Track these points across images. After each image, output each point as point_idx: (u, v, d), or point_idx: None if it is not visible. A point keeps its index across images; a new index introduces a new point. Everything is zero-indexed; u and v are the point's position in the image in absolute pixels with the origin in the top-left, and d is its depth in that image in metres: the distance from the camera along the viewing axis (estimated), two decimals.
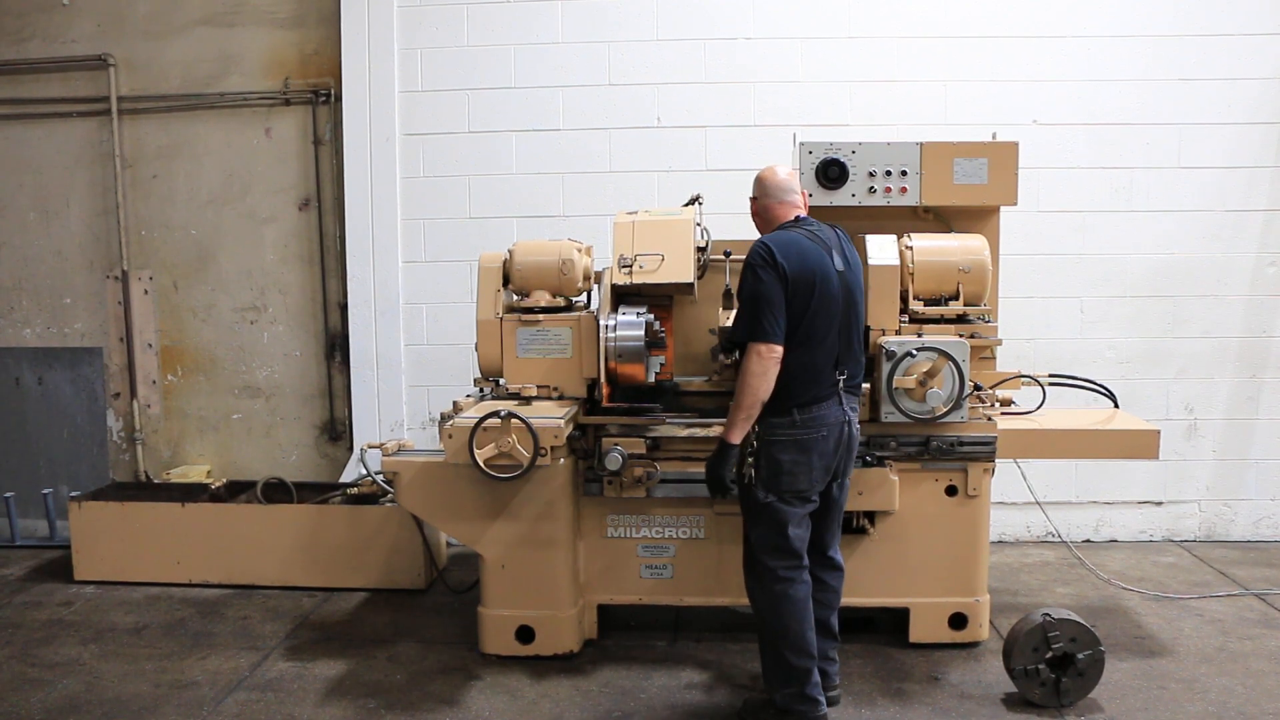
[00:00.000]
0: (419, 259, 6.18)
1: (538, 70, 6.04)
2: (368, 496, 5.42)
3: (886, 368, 4.16)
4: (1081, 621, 3.95)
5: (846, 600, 4.22)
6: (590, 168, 6.10)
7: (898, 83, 6.00)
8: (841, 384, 3.74)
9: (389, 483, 5.10)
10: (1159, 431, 4.48)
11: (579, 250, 4.60)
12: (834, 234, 3.88)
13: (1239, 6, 5.93)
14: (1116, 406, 4.90)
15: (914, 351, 4.11)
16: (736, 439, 3.67)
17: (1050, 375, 4.83)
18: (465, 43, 6.03)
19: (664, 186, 6.07)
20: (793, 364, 3.61)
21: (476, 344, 4.57)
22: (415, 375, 6.24)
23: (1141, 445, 4.49)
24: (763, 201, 3.94)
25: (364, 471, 5.45)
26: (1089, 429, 4.52)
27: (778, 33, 5.98)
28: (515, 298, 4.61)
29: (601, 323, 4.34)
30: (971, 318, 4.46)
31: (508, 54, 6.04)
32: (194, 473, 6.36)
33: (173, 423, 6.55)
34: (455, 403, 4.47)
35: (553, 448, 4.01)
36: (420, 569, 5.30)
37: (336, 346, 6.34)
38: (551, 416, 4.08)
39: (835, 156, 4.63)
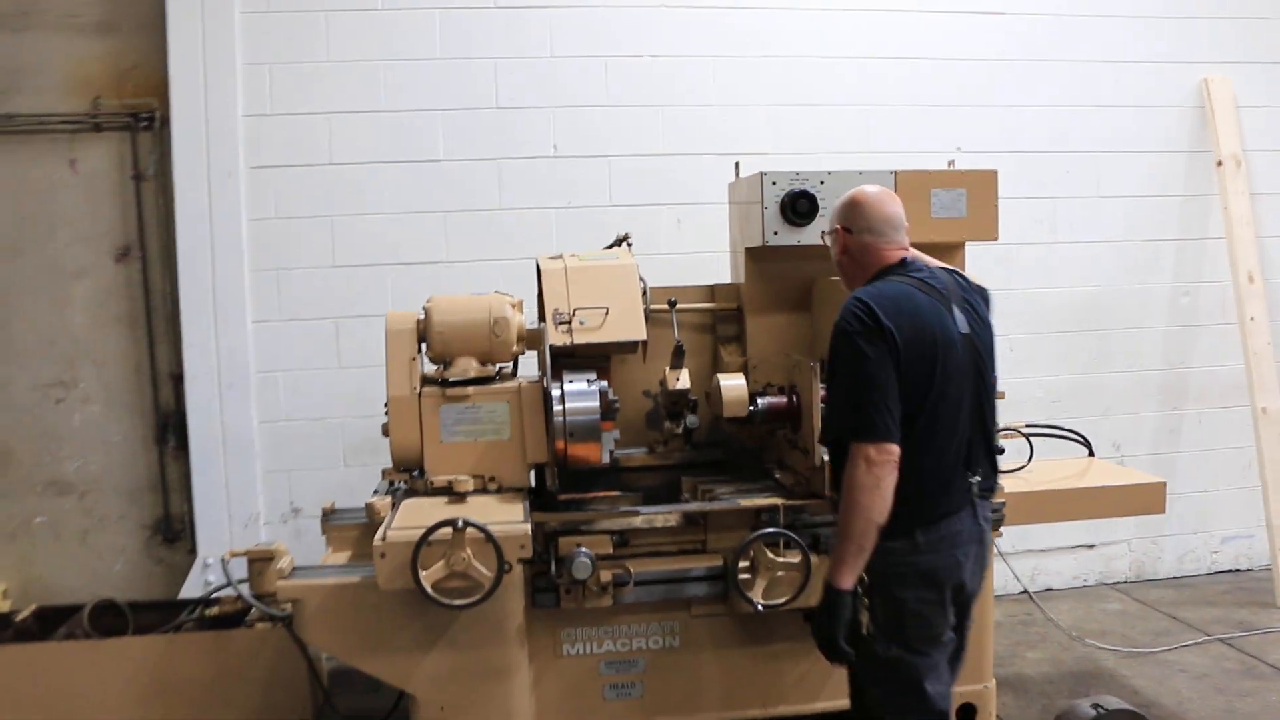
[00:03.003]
0: (273, 318, 5.12)
1: (413, 91, 5.14)
2: (229, 617, 4.34)
3: None
4: (1136, 710, 3.47)
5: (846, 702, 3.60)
6: (477, 204, 5.25)
7: (818, 107, 5.49)
8: (975, 488, 2.87)
9: (259, 597, 4.08)
10: (1164, 484, 4.10)
11: (512, 305, 3.78)
12: (954, 281, 2.98)
13: (1152, 34, 5.80)
14: (1092, 454, 4.52)
15: None
16: (849, 582, 2.73)
17: (1027, 425, 4.38)
18: (325, 57, 5.05)
19: (563, 224, 5.31)
20: (911, 467, 2.71)
21: (387, 426, 3.68)
22: (273, 458, 5.16)
23: (1149, 499, 4.10)
24: (861, 238, 2.99)
25: (210, 582, 4.41)
26: (1094, 486, 4.11)
27: (688, 51, 5.35)
28: (435, 367, 3.73)
29: (551, 393, 3.53)
30: None
31: (376, 71, 5.11)
32: None
33: None
34: (370, 504, 3.55)
35: (518, 560, 3.17)
36: (306, 700, 4.24)
37: (170, 427, 5.16)
38: (512, 521, 3.23)
39: (803, 188, 4.00)
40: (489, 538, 3.08)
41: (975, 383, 2.87)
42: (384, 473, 3.81)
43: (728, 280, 4.50)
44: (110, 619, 4.37)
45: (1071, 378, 5.83)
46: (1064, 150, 5.73)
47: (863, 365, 2.71)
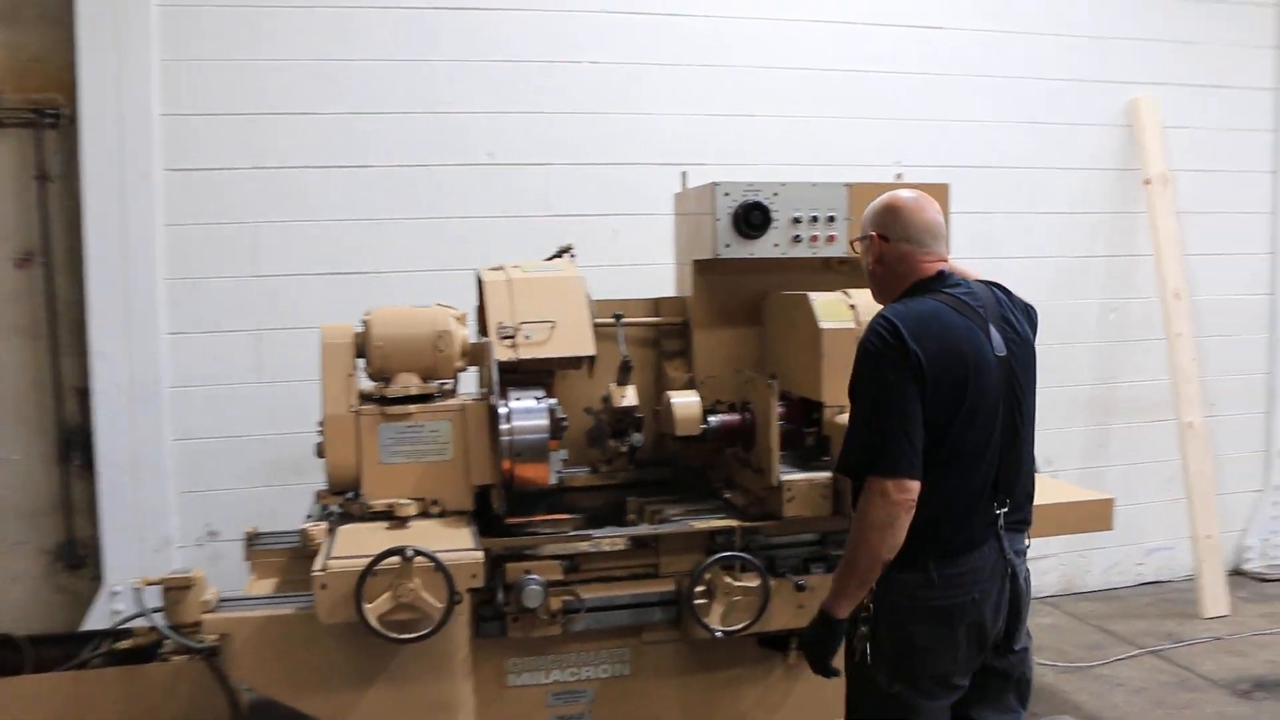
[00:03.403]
0: (189, 328, 4.82)
1: (344, 92, 4.90)
2: (142, 650, 4.03)
3: None
4: None
5: None
6: (409, 212, 5.04)
7: (756, 117, 5.42)
8: (1002, 520, 2.65)
9: (176, 628, 3.80)
10: (1113, 500, 4.13)
11: (455, 319, 3.60)
12: (993, 298, 2.75)
13: (1084, 54, 5.89)
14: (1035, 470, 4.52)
15: None
16: (844, 612, 2.59)
17: None
18: (250, 55, 4.77)
19: (499, 234, 5.12)
20: (931, 496, 2.51)
21: (321, 446, 3.47)
22: (188, 478, 4.85)
23: (1097, 516, 4.12)
24: (898, 247, 2.72)
25: (118, 612, 4.13)
26: (1046, 504, 4.00)
27: (629, 58, 5.22)
28: (374, 383, 3.53)
29: (499, 411, 3.36)
30: None
31: (305, 71, 4.85)
32: None
33: None
34: (305, 531, 3.35)
35: (469, 590, 2.99)
36: None
37: (74, 445, 4.82)
38: (462, 548, 3.05)
39: (757, 199, 3.90)
40: (439, 567, 2.90)
41: (1009, 408, 2.65)
42: (317, 495, 3.59)
43: (668, 293, 4.38)
44: (6, 654, 4.03)
45: None
46: (1000, 166, 5.76)
47: (884, 391, 2.53)
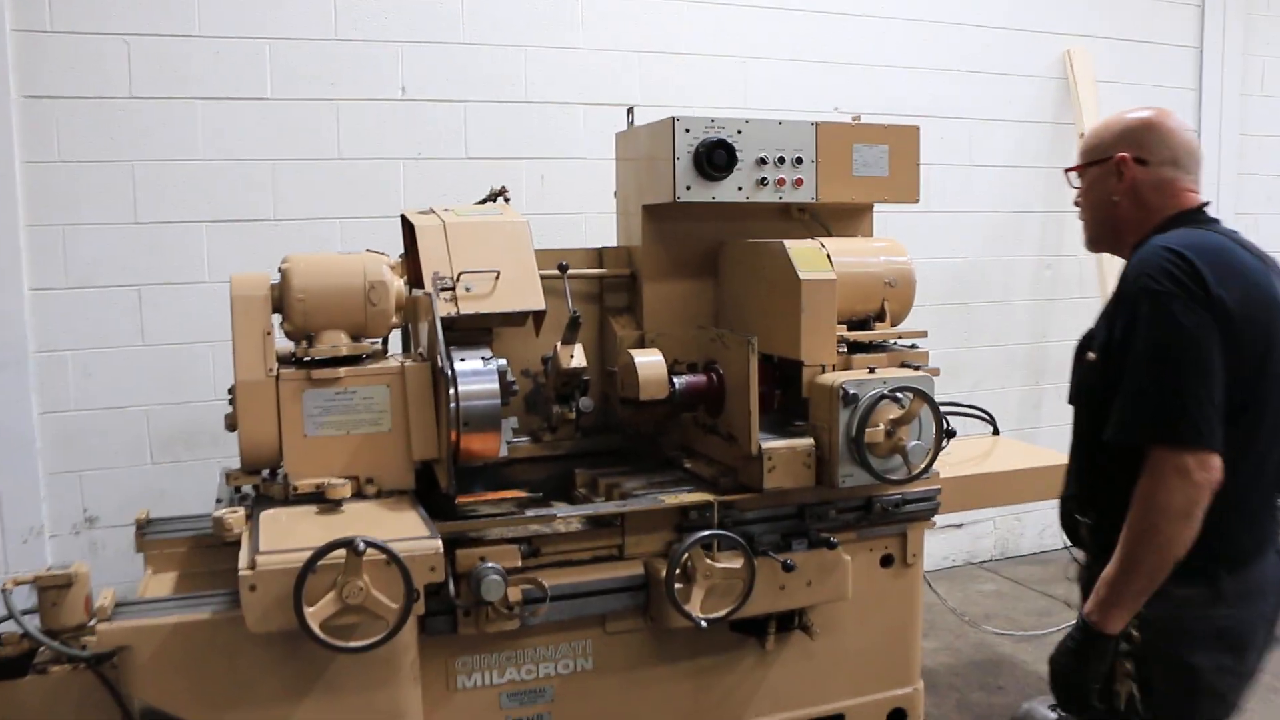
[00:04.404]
0: (57, 284, 4.15)
1: (235, 13, 4.28)
2: (12, 661, 3.44)
3: (846, 416, 3.11)
4: None
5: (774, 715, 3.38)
6: (312, 152, 4.46)
7: (688, 56, 5.03)
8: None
9: (54, 634, 3.24)
10: None
11: (390, 267, 3.11)
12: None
13: (1015, 2, 5.69)
14: (997, 432, 4.33)
15: (898, 395, 3.10)
16: (1117, 626, 2.08)
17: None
18: None
19: (412, 178, 4.62)
20: (1224, 486, 2.03)
21: (232, 417, 2.96)
22: (59, 457, 4.20)
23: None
24: (1159, 172, 2.24)
25: None
26: (1033, 468, 3.89)
27: None
28: (296, 344, 3.02)
29: (446, 374, 2.91)
30: (894, 343, 3.61)
31: None
32: None
33: None
34: (220, 520, 2.80)
35: (426, 585, 2.54)
36: None
37: None
38: (416, 536, 2.59)
39: (721, 137, 3.51)
40: (394, 560, 2.44)
41: None
42: (227, 475, 3.07)
43: (604, 244, 3.97)
44: None
45: (944, 352, 5.62)
46: (939, 115, 5.50)
47: (1179, 339, 2.02)
